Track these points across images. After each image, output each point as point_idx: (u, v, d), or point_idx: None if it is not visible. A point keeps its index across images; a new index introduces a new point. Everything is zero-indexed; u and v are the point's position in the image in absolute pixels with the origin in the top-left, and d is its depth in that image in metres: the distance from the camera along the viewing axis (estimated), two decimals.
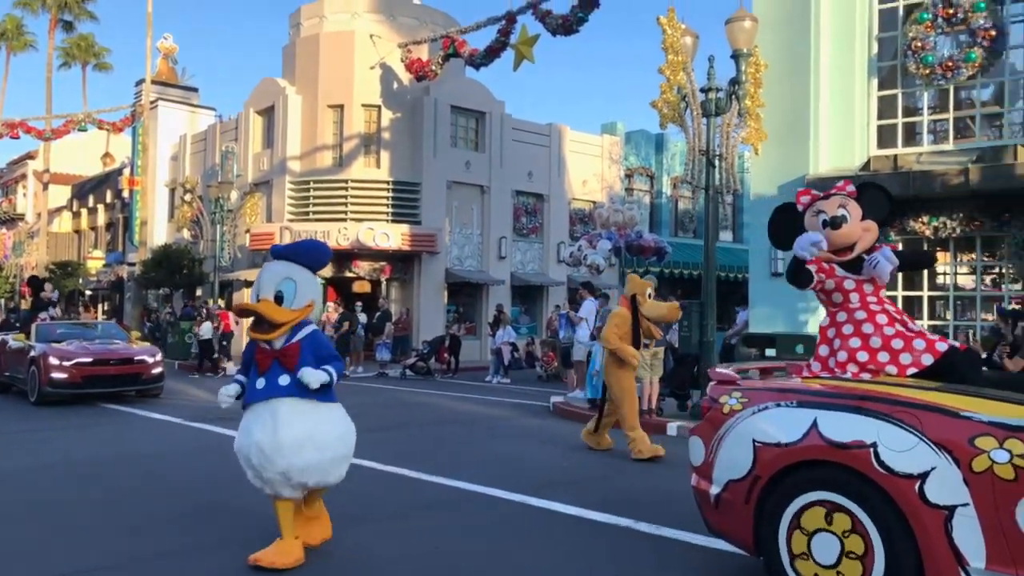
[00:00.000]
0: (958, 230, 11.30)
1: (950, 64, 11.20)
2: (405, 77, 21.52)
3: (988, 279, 11.73)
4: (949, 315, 11.79)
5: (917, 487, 3.31)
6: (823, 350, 4.27)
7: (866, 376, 4.00)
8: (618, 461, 7.74)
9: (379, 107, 22.40)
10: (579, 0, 15.80)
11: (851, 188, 4.35)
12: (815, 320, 11.81)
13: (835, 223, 4.20)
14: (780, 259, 12.05)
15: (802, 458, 3.69)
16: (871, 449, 3.45)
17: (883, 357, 4.04)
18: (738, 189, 11.49)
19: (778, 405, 3.90)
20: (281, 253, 4.48)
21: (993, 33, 11.00)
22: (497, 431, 9.93)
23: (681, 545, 4.92)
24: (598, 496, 6.12)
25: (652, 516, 5.46)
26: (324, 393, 4.32)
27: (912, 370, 3.98)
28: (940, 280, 12.09)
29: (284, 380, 4.24)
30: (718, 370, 4.50)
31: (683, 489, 6.48)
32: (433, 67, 19.84)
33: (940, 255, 11.94)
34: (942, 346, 3.99)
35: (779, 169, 12.27)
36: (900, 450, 3.39)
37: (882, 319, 4.13)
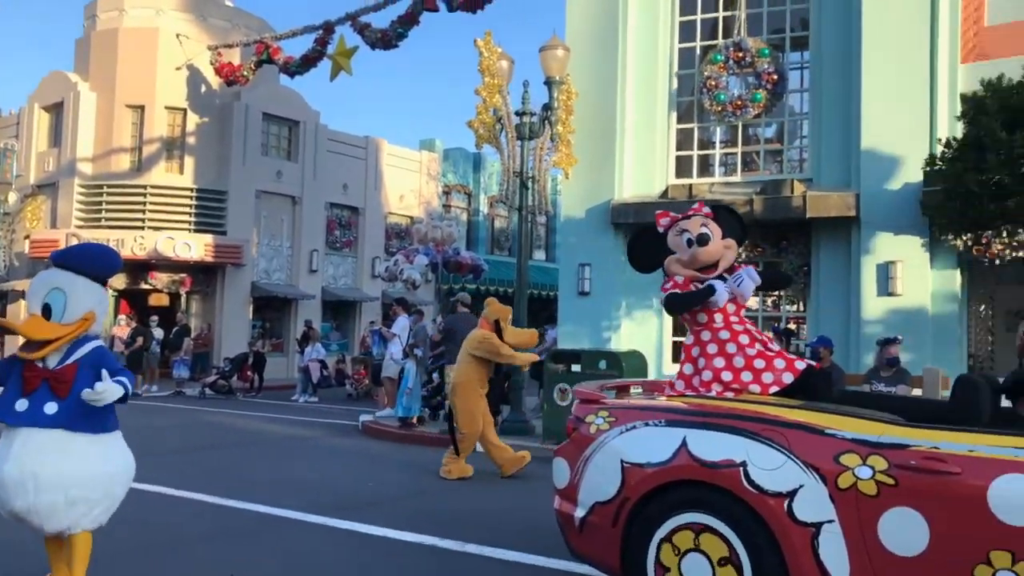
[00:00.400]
0: (744, 255, 12.25)
1: (739, 103, 12.19)
2: (214, 81, 20.49)
3: (769, 301, 12.79)
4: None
5: (786, 505, 3.34)
6: (687, 368, 4.23)
7: (730, 395, 3.97)
8: (427, 479, 7.68)
9: (184, 110, 21.18)
10: (399, 16, 15.77)
11: (707, 209, 4.47)
12: (617, 337, 12.40)
13: (702, 240, 4.25)
14: (587, 279, 12.57)
15: (672, 478, 3.62)
16: (741, 468, 3.44)
17: (746, 376, 4.05)
18: (550, 211, 11.90)
19: (647, 424, 3.82)
20: (58, 259, 3.97)
21: (775, 77, 12.10)
22: (302, 452, 9.58)
23: (488, 561, 4.94)
24: (405, 515, 6.03)
25: (457, 534, 5.44)
26: (100, 422, 3.78)
27: (774, 388, 4.02)
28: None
29: (51, 408, 3.67)
30: (583, 388, 4.38)
31: (491, 508, 6.54)
32: (245, 72, 19.02)
33: None
34: (800, 365, 4.09)
35: (588, 193, 12.81)
36: (769, 468, 3.40)
37: (744, 339, 4.18)
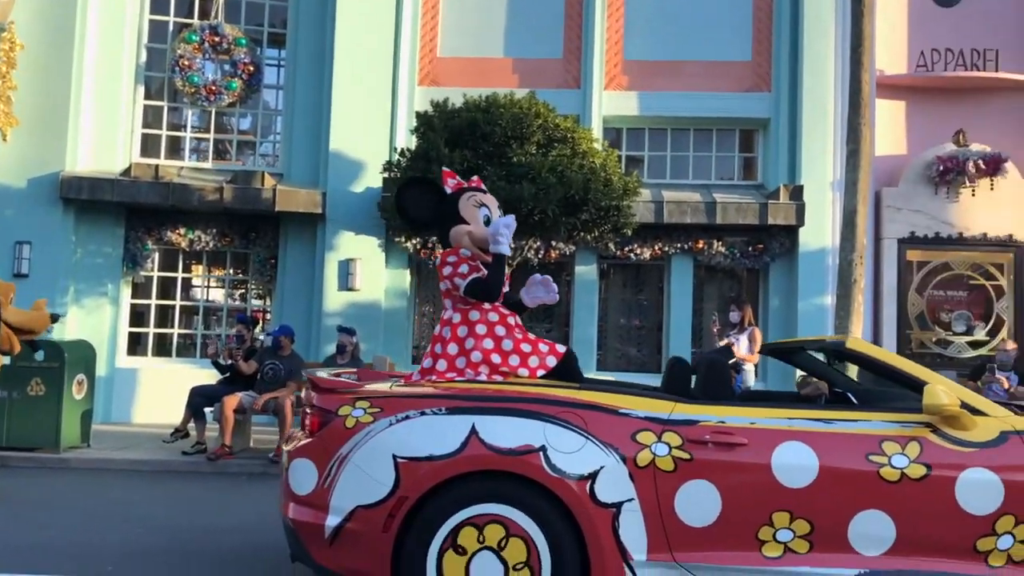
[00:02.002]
0: (212, 244, 11.95)
1: (213, 88, 11.88)
2: None
3: (237, 293, 12.68)
4: (200, 325, 12.35)
5: (588, 487, 3.29)
6: (452, 348, 3.93)
7: (498, 378, 3.79)
8: None
9: None
10: None
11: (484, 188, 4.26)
12: (61, 325, 11.03)
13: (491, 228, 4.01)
14: (26, 259, 10.96)
15: (462, 470, 3.34)
16: (540, 453, 3.32)
17: (514, 360, 3.90)
18: None
19: (422, 413, 3.46)
20: None
21: (252, 68, 12.07)
22: None
23: None
24: None
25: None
26: None
27: (540, 372, 3.91)
28: (195, 292, 12.59)
29: None
30: (321, 375, 3.75)
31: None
32: None
33: (195, 267, 12.46)
34: (561, 348, 4.05)
35: (31, 161, 11.19)
36: (569, 451, 3.33)
37: (511, 320, 4.05)
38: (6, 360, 6.94)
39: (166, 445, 8.57)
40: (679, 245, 11.89)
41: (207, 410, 8.56)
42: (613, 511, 3.28)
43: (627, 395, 3.54)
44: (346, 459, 3.42)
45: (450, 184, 4.22)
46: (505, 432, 3.35)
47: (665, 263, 12.12)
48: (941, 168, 11.62)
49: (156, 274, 12.14)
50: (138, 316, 12.16)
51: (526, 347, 3.95)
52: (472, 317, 3.96)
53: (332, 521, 3.40)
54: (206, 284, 12.55)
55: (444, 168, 4.48)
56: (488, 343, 3.89)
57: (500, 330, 3.95)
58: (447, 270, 3.96)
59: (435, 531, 3.33)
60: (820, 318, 11.50)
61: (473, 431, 3.36)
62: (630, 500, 3.29)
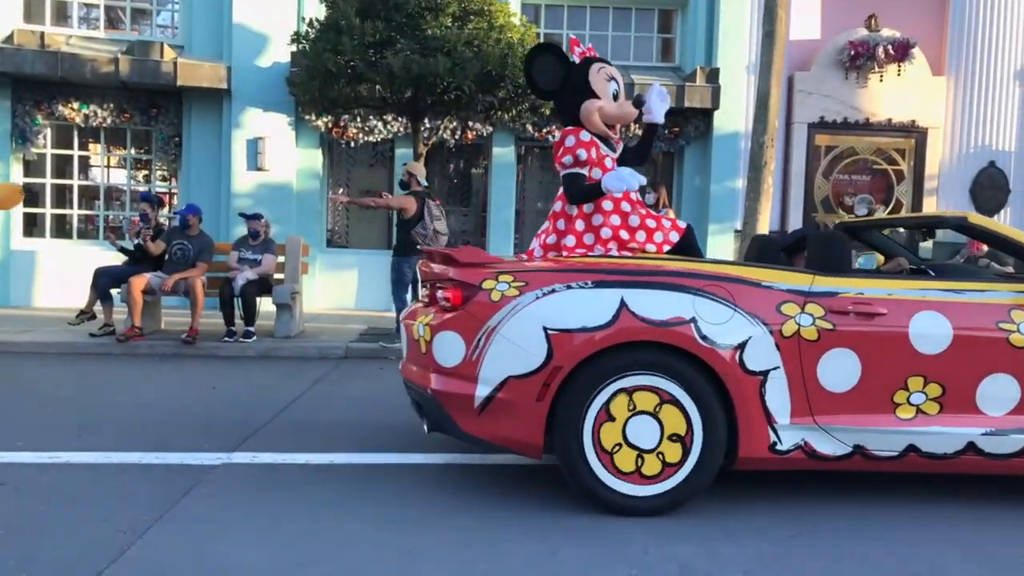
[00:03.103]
0: (109, 120, 11.31)
1: None
2: None
3: (140, 174, 12.12)
4: (101, 207, 11.81)
5: (738, 357, 3.44)
6: (579, 225, 3.93)
7: (627, 254, 3.81)
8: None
9: None
10: None
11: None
12: None
13: (639, 102, 4.01)
14: None
15: (616, 341, 3.42)
16: (691, 324, 3.43)
17: (641, 236, 3.94)
18: None
19: (568, 287, 3.50)
20: None
21: None
22: None
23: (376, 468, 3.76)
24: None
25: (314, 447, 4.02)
26: None
27: (665, 247, 3.93)
28: (94, 172, 11.96)
29: None
30: (464, 251, 3.72)
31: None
32: None
33: (92, 146, 11.80)
34: (682, 224, 4.07)
35: None
36: (718, 323, 3.45)
37: (634, 196, 3.99)
38: None
39: (71, 327, 8.32)
40: None
41: (114, 292, 8.29)
42: (760, 378, 3.48)
43: (766, 269, 3.70)
44: (494, 331, 3.50)
45: (576, 52, 4.15)
46: (655, 305, 3.46)
47: None
48: (852, 53, 11.80)
49: (50, 151, 11.46)
50: (33, 196, 11.53)
51: (651, 223, 4.00)
52: None
53: (482, 391, 3.51)
54: (106, 163, 11.92)
55: (571, 36, 4.37)
56: (615, 219, 3.93)
57: (625, 206, 3.97)
58: (565, 154, 3.95)
59: (589, 399, 3.46)
60: (731, 200, 11.79)
61: (623, 304, 3.46)
62: (776, 368, 3.49)
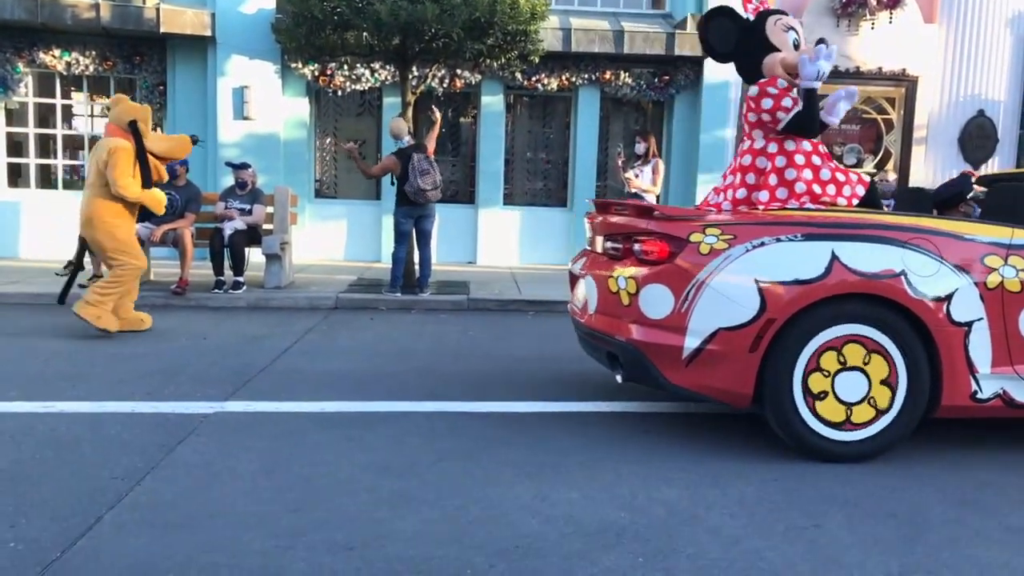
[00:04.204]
0: (92, 68, 11.12)
1: None
2: None
3: None
4: (86, 157, 11.68)
5: (945, 308, 3.54)
6: (772, 179, 4.04)
7: (818, 207, 3.91)
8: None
9: None
10: None
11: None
12: None
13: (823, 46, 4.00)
14: None
15: (829, 294, 3.50)
16: (901, 277, 3.52)
17: (831, 189, 4.04)
18: None
19: (778, 240, 3.58)
20: None
21: None
22: None
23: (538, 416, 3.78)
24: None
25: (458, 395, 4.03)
26: None
27: (854, 201, 4.00)
28: (78, 121, 11.80)
29: None
30: (667, 208, 3.81)
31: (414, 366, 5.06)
32: None
33: (75, 94, 11.62)
34: (866, 177, 4.14)
35: None
36: (927, 275, 3.55)
37: (822, 149, 4.05)
38: (163, 194, 6.51)
39: (60, 278, 8.30)
40: (586, 76, 11.76)
41: None
42: (965, 329, 3.58)
43: (964, 222, 3.79)
44: (704, 284, 3.56)
45: (749, 8, 4.16)
46: (866, 257, 3.53)
47: (572, 94, 12.01)
48: (844, 0, 11.68)
49: (32, 100, 11.28)
50: (16, 146, 11.38)
51: (840, 176, 4.11)
52: (788, 147, 4.07)
53: (691, 343, 3.58)
54: (89, 112, 11.75)
55: None
56: (808, 173, 4.03)
57: (816, 159, 4.07)
58: (767, 103, 4.00)
59: (800, 350, 3.54)
60: (721, 150, 11.77)
61: (834, 257, 3.53)
62: (980, 319, 3.59)
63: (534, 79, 11.61)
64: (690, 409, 4.53)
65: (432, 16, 8.12)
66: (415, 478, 3.35)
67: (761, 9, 4.16)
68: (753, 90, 4.08)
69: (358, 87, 11.46)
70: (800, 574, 2.57)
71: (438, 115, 8.52)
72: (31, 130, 11.36)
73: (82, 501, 3.01)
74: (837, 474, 3.51)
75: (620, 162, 9.49)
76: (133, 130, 6.09)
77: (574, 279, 4.57)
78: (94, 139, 11.73)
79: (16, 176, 11.48)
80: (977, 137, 12.23)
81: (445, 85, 11.52)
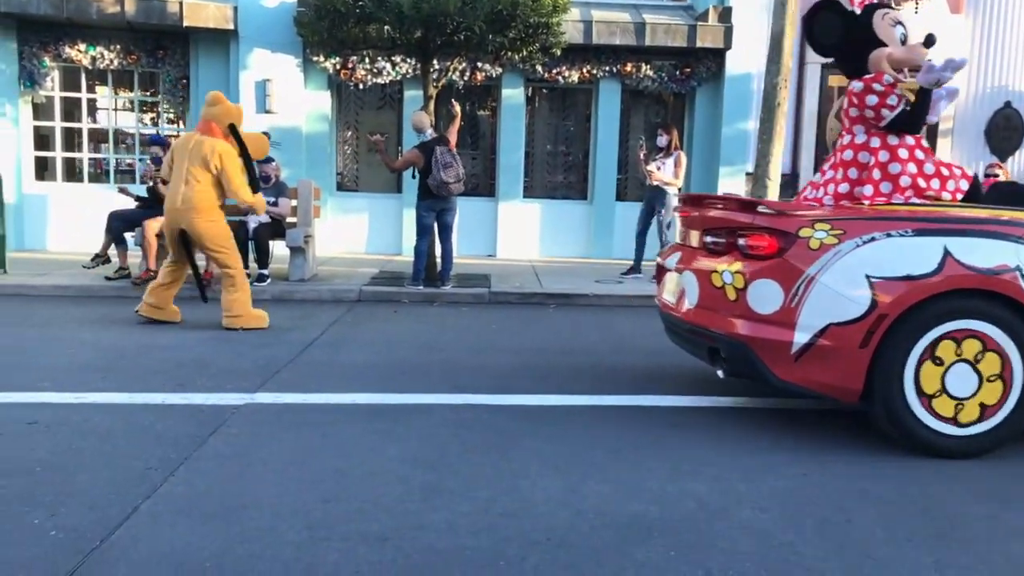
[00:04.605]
0: (116, 62, 11.21)
1: None
2: None
3: (148, 117, 12.04)
4: (111, 150, 11.78)
5: None
6: (876, 174, 4.07)
7: (924, 202, 3.93)
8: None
9: None
10: None
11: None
12: None
13: (930, 41, 3.98)
14: None
15: (942, 289, 3.49)
16: (1016, 272, 3.51)
17: (935, 183, 4.05)
18: None
19: (888, 235, 3.58)
20: None
21: None
22: None
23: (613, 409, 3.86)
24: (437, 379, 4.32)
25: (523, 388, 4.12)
26: None
27: (958, 195, 4.02)
28: (102, 114, 11.90)
29: None
30: (771, 202, 3.86)
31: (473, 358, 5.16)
32: None
33: (99, 88, 11.72)
34: (970, 172, 4.16)
35: None
36: None
37: (925, 143, 4.08)
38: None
39: (87, 271, 8.40)
40: (607, 68, 11.73)
41: (128, 235, 8.34)
42: None
43: None
44: (814, 279, 3.57)
45: (856, 3, 4.16)
46: (979, 253, 3.52)
47: (593, 87, 11.98)
48: None
49: (58, 94, 11.40)
50: (43, 140, 11.50)
51: (944, 170, 4.11)
52: (891, 142, 4.08)
53: (801, 338, 3.59)
54: (114, 106, 11.85)
55: None
56: (912, 167, 4.04)
57: (919, 154, 4.09)
58: (872, 99, 4.03)
59: (912, 346, 3.54)
60: (743, 142, 11.70)
61: (947, 252, 3.52)
62: None
63: (555, 72, 11.59)
64: (718, 404, 4.53)
65: (454, 9, 8.13)
66: (445, 470, 3.37)
67: (867, 3, 4.18)
68: (857, 85, 4.11)
69: (379, 80, 11.49)
70: (833, 569, 2.57)
71: (458, 109, 8.53)
72: (57, 124, 11.47)
73: (119, 491, 3.05)
74: (868, 469, 3.50)
75: (642, 155, 9.47)
76: (234, 134, 6.26)
77: (662, 272, 4.62)
78: (118, 132, 11.83)
79: (43, 169, 11.61)
80: (1004, 129, 12.09)
81: (466, 78, 11.52)
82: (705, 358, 4.10)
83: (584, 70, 11.67)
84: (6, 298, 7.61)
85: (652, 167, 9.39)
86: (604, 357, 5.72)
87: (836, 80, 12.02)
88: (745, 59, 11.66)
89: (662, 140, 9.43)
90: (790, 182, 11.58)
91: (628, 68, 11.69)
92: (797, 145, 12.03)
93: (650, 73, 11.73)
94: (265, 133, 6.66)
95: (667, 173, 9.36)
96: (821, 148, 12.10)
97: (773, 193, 9.29)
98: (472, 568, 2.52)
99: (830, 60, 11.80)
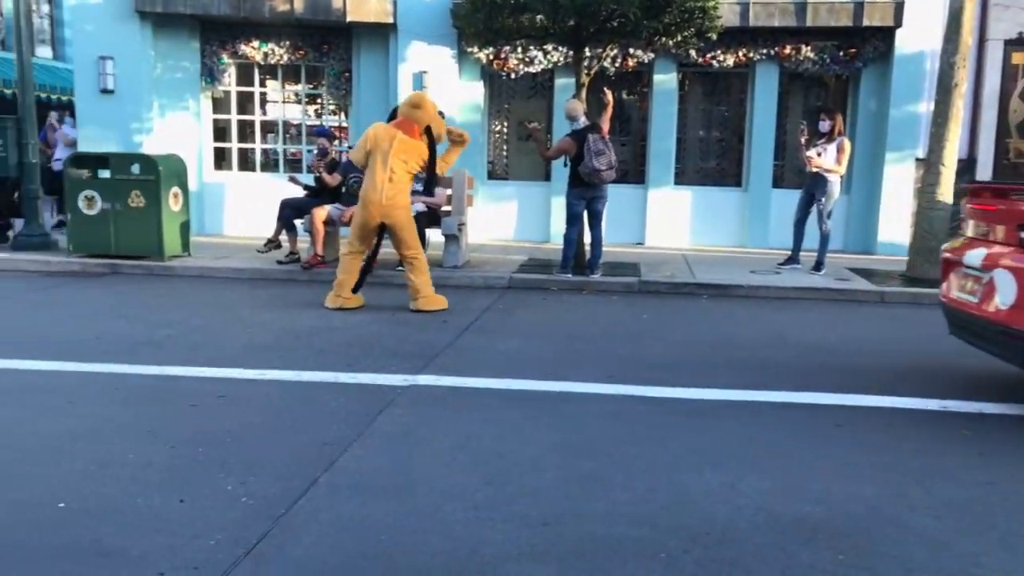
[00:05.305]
0: (286, 57, 11.89)
1: None
2: None
3: (312, 109, 12.71)
4: (280, 141, 12.53)
5: None
6: None
7: None
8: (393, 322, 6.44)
9: None
10: None
11: None
12: (150, 140, 11.35)
13: None
14: (110, 75, 11.11)
15: None
16: None
17: None
18: None
19: None
20: None
21: None
22: None
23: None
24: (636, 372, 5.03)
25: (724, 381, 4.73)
26: None
27: None
28: (272, 107, 12.66)
29: None
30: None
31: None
32: None
33: (270, 83, 12.47)
34: None
35: None
36: None
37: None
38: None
39: (260, 255, 9.00)
40: (765, 51, 11.32)
41: (297, 222, 8.87)
42: None
43: None
44: None
45: None
46: None
47: (749, 71, 11.60)
48: None
49: (234, 89, 12.21)
50: (220, 131, 12.37)
51: None
52: None
53: None
54: (282, 99, 12.58)
55: None
56: None
57: None
58: None
59: None
60: (912, 126, 11.02)
61: None
62: None
63: (709, 56, 11.30)
64: (887, 403, 4.33)
65: None
66: (603, 459, 3.41)
67: None
68: None
69: (530, 69, 11.60)
70: None
71: (610, 97, 8.49)
72: (233, 116, 12.30)
73: (299, 463, 3.29)
74: None
75: (803, 140, 9.10)
76: (428, 135, 6.64)
77: (949, 267, 4.47)
78: (287, 124, 12.55)
79: (220, 160, 12.49)
80: None
81: (617, 65, 11.44)
82: (1017, 361, 3.93)
83: (740, 53, 11.32)
84: (191, 279, 8.28)
85: (812, 152, 9.01)
86: (760, 351, 5.57)
87: (1021, 57, 11.08)
88: (917, 37, 10.94)
89: (824, 125, 9.02)
90: (967, 168, 10.79)
91: (787, 50, 11.24)
92: (975, 128, 11.17)
93: (811, 55, 11.23)
94: (440, 112, 6.95)
95: (829, 159, 8.96)
96: (1002, 131, 11.20)
97: (948, 180, 8.71)
98: (633, 558, 2.55)
99: (1013, 35, 10.92)
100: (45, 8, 22.74)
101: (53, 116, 12.88)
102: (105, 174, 8.69)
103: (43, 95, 15.32)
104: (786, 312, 7.24)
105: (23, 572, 2.40)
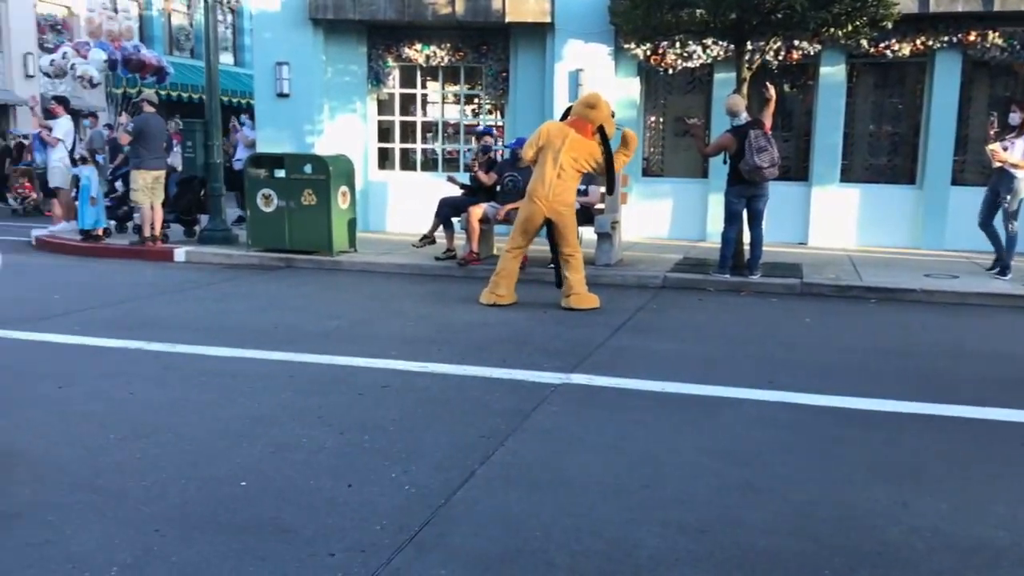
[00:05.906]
0: (446, 59, 12.25)
1: None
2: None
3: (469, 110, 13.03)
4: (439, 140, 12.92)
5: None
6: None
7: None
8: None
9: None
10: None
11: None
12: (321, 141, 12.01)
13: None
14: (286, 80, 11.84)
15: None
16: None
17: None
18: (236, 3, 10.81)
19: None
20: None
21: None
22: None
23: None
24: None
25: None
26: None
27: None
28: (432, 108, 13.09)
29: None
30: None
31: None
32: None
33: (430, 84, 12.89)
34: None
35: None
36: None
37: None
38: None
39: (418, 251, 9.33)
40: (946, 39, 10.55)
41: (454, 220, 9.13)
42: None
43: None
44: None
45: None
46: None
47: (927, 60, 10.85)
48: None
49: (397, 91, 12.70)
50: (384, 132, 12.91)
51: None
52: None
53: None
54: (442, 100, 12.97)
55: None
56: None
57: None
58: None
59: None
60: None
61: None
62: None
63: (882, 45, 10.67)
64: None
65: None
66: (762, 468, 3.31)
67: None
68: None
69: (689, 65, 11.37)
70: None
71: (773, 91, 8.18)
72: (396, 118, 12.81)
73: (457, 455, 3.39)
74: None
75: (991, 133, 8.42)
76: (602, 135, 6.64)
77: None
78: (445, 124, 12.93)
79: (384, 159, 13.04)
80: None
81: (780, 58, 11.01)
82: None
83: (917, 42, 10.61)
84: (357, 273, 8.70)
85: (996, 146, 8.32)
86: (937, 361, 5.22)
87: None
88: None
89: (1015, 118, 8.31)
90: None
91: (971, 37, 10.43)
92: None
93: (999, 42, 10.36)
94: (611, 114, 6.94)
95: (1016, 154, 8.24)
96: None
97: None
98: (796, 574, 2.47)
99: None
100: (229, 18, 24.55)
101: (241, 120, 13.86)
102: (281, 174, 9.28)
103: (225, 99, 16.54)
104: (964, 319, 6.75)
105: (215, 543, 2.62)
